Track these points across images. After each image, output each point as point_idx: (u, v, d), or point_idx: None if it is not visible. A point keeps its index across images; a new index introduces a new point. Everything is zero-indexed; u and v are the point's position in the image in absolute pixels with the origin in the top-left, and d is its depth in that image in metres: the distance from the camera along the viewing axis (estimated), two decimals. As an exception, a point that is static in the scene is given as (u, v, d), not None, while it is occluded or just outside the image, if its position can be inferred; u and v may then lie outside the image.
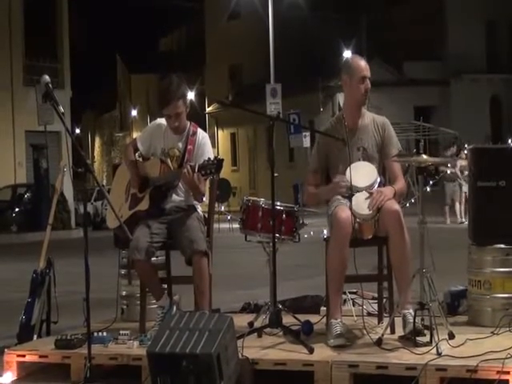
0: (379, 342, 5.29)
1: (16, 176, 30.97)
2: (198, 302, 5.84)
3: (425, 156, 5.39)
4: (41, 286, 6.28)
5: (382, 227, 5.59)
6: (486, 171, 6.12)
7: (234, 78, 51.31)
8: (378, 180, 5.72)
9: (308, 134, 28.50)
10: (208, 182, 6.13)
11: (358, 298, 6.59)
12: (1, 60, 30.51)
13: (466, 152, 18.14)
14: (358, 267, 5.58)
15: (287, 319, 5.90)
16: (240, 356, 5.06)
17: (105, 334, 5.78)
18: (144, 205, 6.03)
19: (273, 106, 28.21)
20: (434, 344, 5.06)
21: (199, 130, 6.23)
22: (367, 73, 5.86)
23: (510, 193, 6.03)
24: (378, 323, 6.02)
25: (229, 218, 5.63)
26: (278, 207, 5.87)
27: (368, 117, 5.98)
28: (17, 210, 28.88)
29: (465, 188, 19.40)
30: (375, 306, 6.33)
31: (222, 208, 24.34)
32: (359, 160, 5.83)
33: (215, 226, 6.59)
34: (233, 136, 50.95)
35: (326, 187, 5.88)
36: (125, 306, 6.84)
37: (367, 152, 5.87)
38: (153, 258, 5.98)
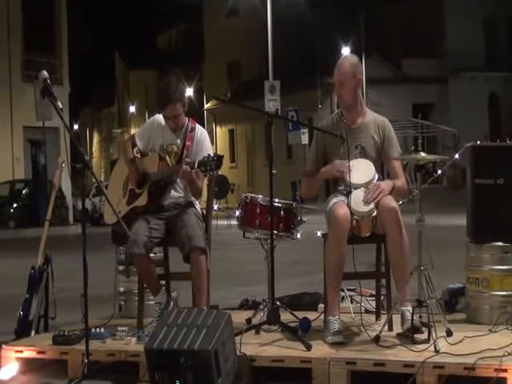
0: (377, 339, 5.29)
1: (14, 172, 31.00)
2: (196, 298, 5.84)
3: (423, 154, 5.38)
4: (38, 282, 6.28)
5: (380, 225, 5.59)
6: (484, 169, 6.12)
7: (233, 75, 51.34)
8: (376, 177, 5.72)
9: (306, 130, 28.51)
10: (206, 178, 6.13)
11: (356, 296, 6.60)
12: (-1, 56, 30.56)
13: None
14: (356, 264, 5.58)
15: (285, 316, 5.90)
16: (238, 353, 5.06)
17: (102, 330, 5.78)
18: (142, 200, 6.03)
19: (271, 103, 28.20)
20: (431, 341, 5.07)
21: (197, 126, 6.23)
22: (341, 78, 5.85)
23: (508, 190, 6.03)
24: (376, 320, 6.02)
25: (237, 214, 5.67)
26: (276, 204, 5.87)
27: (369, 115, 5.97)
28: (15, 205, 28.92)
29: None
30: (373, 304, 6.34)
31: (217, 206, 24.27)
32: (356, 158, 5.83)
33: (213, 222, 6.59)
34: (231, 133, 50.98)
35: (325, 168, 5.87)
36: (123, 302, 6.84)
37: (365, 151, 5.87)
38: (151, 254, 5.98)
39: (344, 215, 5.51)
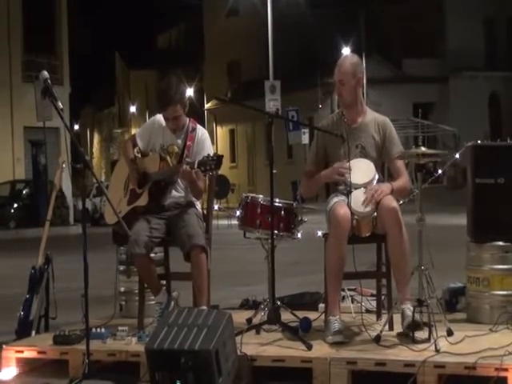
0: (377, 339, 5.29)
1: (14, 172, 31.01)
2: (197, 298, 5.84)
3: (423, 148, 5.38)
4: (39, 282, 6.28)
5: (380, 225, 5.59)
6: (485, 168, 6.12)
7: (233, 75, 51.33)
8: (377, 177, 5.72)
9: (307, 130, 28.51)
10: (207, 178, 6.12)
11: (357, 295, 6.60)
12: (-1, 56, 30.58)
13: None
14: (356, 264, 5.58)
15: (286, 316, 5.90)
16: (238, 352, 5.06)
17: (103, 330, 5.78)
18: (143, 200, 6.03)
19: (271, 103, 28.22)
20: (432, 341, 5.07)
21: (198, 127, 6.22)
22: (341, 77, 5.86)
23: (509, 190, 6.03)
24: (377, 320, 6.02)
25: (237, 214, 5.67)
26: (277, 204, 5.87)
27: (369, 115, 5.98)
28: (15, 205, 28.92)
29: None
30: (374, 303, 6.34)
31: (218, 205, 24.26)
32: (357, 157, 5.83)
33: (214, 222, 6.60)
34: (231, 133, 50.99)
35: (325, 171, 5.88)
36: (123, 302, 6.84)
37: (365, 150, 5.87)
38: (151, 254, 5.98)
39: (344, 215, 5.52)
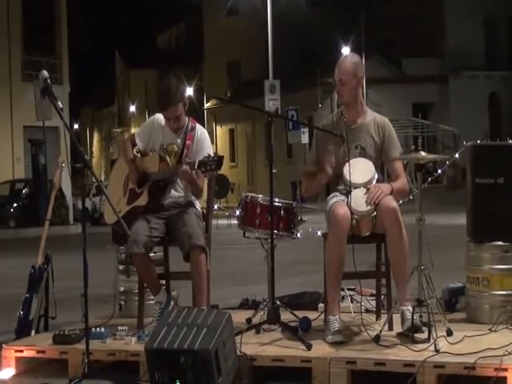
0: (377, 339, 5.29)
1: (14, 171, 31.02)
2: (196, 298, 5.84)
3: (423, 153, 5.39)
4: (39, 282, 6.28)
5: (380, 224, 5.59)
6: (484, 168, 6.12)
7: (233, 74, 51.31)
8: (376, 176, 5.72)
9: (306, 130, 28.51)
10: (206, 178, 6.12)
11: (356, 295, 6.60)
12: (-1, 55, 30.59)
13: None
14: (356, 264, 5.58)
15: (285, 316, 5.90)
16: (238, 352, 5.06)
17: (103, 329, 5.78)
18: (142, 200, 6.03)
19: (271, 103, 28.20)
20: (431, 341, 5.07)
21: (198, 126, 6.23)
22: (342, 76, 5.85)
23: (508, 190, 6.03)
24: (376, 320, 6.02)
25: (237, 213, 5.69)
26: (277, 203, 5.87)
27: (369, 115, 5.97)
28: (15, 205, 28.96)
29: None
30: (373, 303, 6.33)
31: (217, 205, 24.25)
32: (356, 158, 5.83)
33: (213, 222, 6.60)
34: (231, 132, 50.97)
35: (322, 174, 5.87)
36: (123, 302, 6.84)
37: (365, 151, 5.87)
38: (151, 254, 5.98)
39: (344, 214, 5.52)
